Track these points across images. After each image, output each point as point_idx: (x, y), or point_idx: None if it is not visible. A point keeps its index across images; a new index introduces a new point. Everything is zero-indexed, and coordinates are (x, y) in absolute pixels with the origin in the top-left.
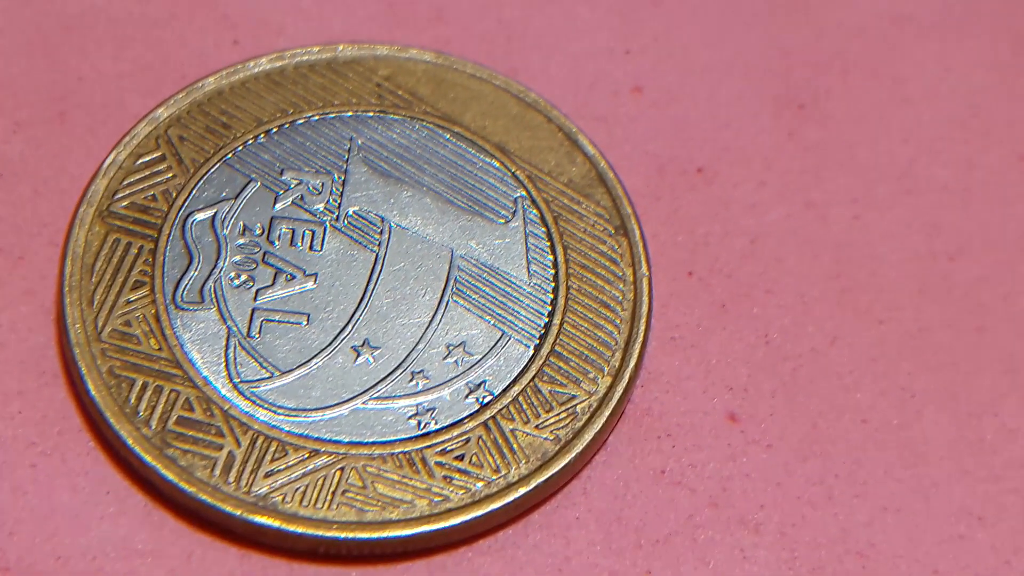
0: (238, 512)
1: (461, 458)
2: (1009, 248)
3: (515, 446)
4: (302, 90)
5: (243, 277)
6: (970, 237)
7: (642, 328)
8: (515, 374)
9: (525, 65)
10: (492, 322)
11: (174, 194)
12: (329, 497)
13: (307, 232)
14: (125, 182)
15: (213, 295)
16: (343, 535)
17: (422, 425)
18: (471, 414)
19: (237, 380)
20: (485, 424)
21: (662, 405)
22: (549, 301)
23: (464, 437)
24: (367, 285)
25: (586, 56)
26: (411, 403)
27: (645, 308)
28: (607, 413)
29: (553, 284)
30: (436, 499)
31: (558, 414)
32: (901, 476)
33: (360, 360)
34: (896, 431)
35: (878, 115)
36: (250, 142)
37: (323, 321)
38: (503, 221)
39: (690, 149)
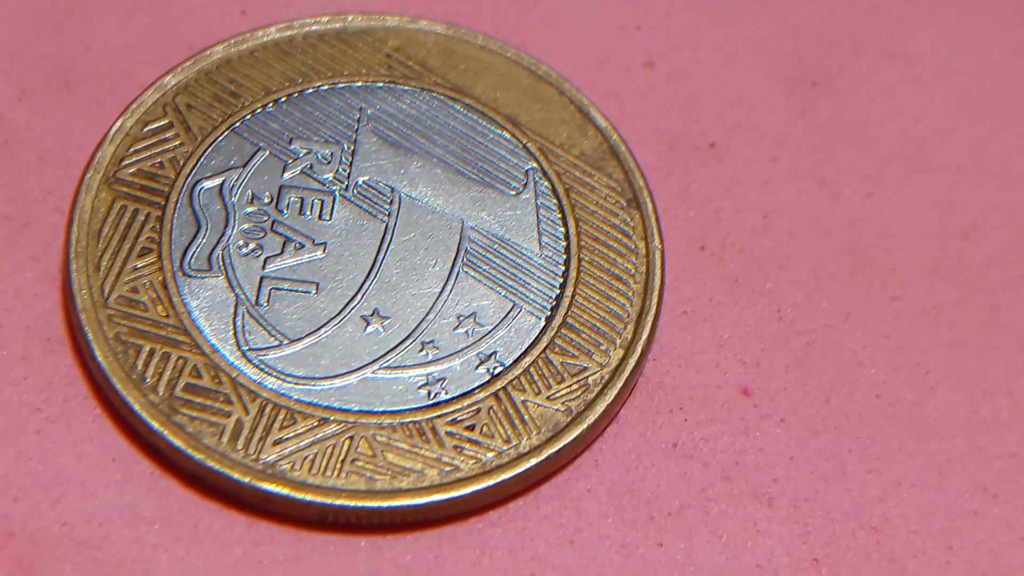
0: (246, 479)
1: (472, 428)
2: (1022, 227)
3: (526, 417)
4: (311, 60)
5: (251, 245)
6: (983, 216)
7: (654, 301)
8: (526, 345)
9: (536, 40)
10: (503, 293)
11: (182, 162)
12: (338, 465)
13: (316, 201)
14: (132, 149)
15: (221, 263)
16: (352, 503)
17: (432, 395)
18: (482, 384)
19: (245, 348)
20: (496, 395)
21: (674, 378)
22: (560, 273)
23: (475, 407)
24: (376, 255)
25: (597, 31)
26: (421, 373)
27: (657, 281)
28: (619, 385)
29: (565, 256)
30: (446, 469)
31: (569, 385)
32: (915, 452)
33: (370, 329)
34: (910, 407)
35: (891, 93)
36: (259, 111)
37: (332, 290)
38: (514, 193)
39: (702, 125)
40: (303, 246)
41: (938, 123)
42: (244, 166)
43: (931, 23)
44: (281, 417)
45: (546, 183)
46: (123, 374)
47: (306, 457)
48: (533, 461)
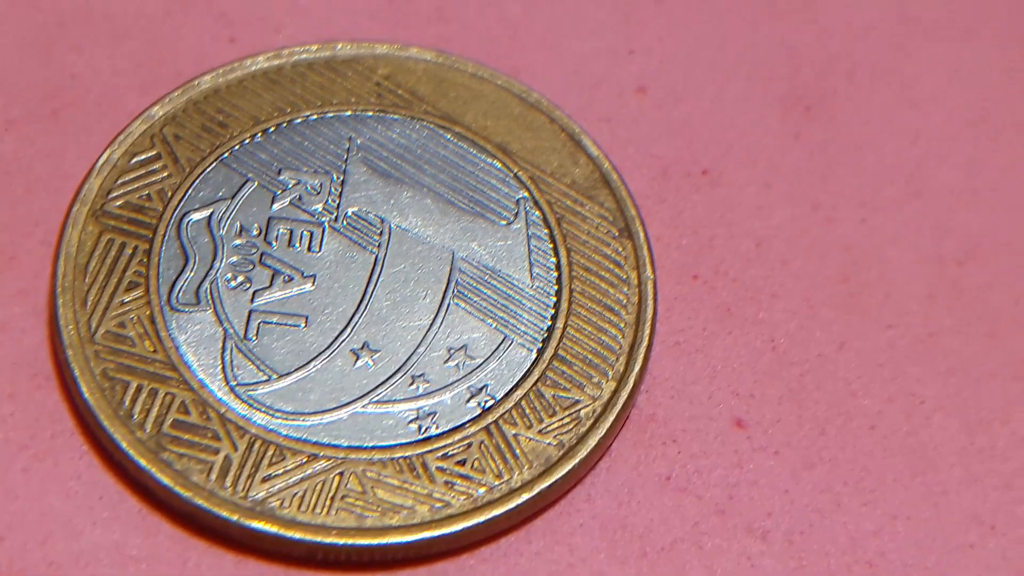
0: (234, 517)
1: (463, 463)
2: (1019, 252)
3: (518, 451)
4: (300, 89)
5: (240, 278)
6: (980, 241)
7: (647, 332)
8: (517, 378)
9: (527, 65)
10: (494, 325)
11: (169, 193)
12: (328, 502)
13: (305, 233)
14: (119, 181)
15: (209, 296)
16: (342, 541)
17: (423, 429)
18: (473, 419)
19: (234, 383)
20: (487, 429)
21: (667, 411)
22: (552, 304)
23: (466, 442)
24: (366, 287)
25: (589, 56)
26: (412, 407)
27: (650, 312)
28: (611, 418)
29: (556, 287)
30: (437, 505)
31: (561, 419)
32: (910, 484)
33: (359, 363)
34: (905, 438)
35: (885, 117)
36: (247, 141)
37: (322, 323)
38: (505, 223)
39: (695, 150)
40: (292, 279)
41: (933, 146)
42: (232, 198)
43: (926, 45)
44: (270, 453)
45: (537, 212)
46: (110, 411)
47: (295, 494)
48: (525, 496)
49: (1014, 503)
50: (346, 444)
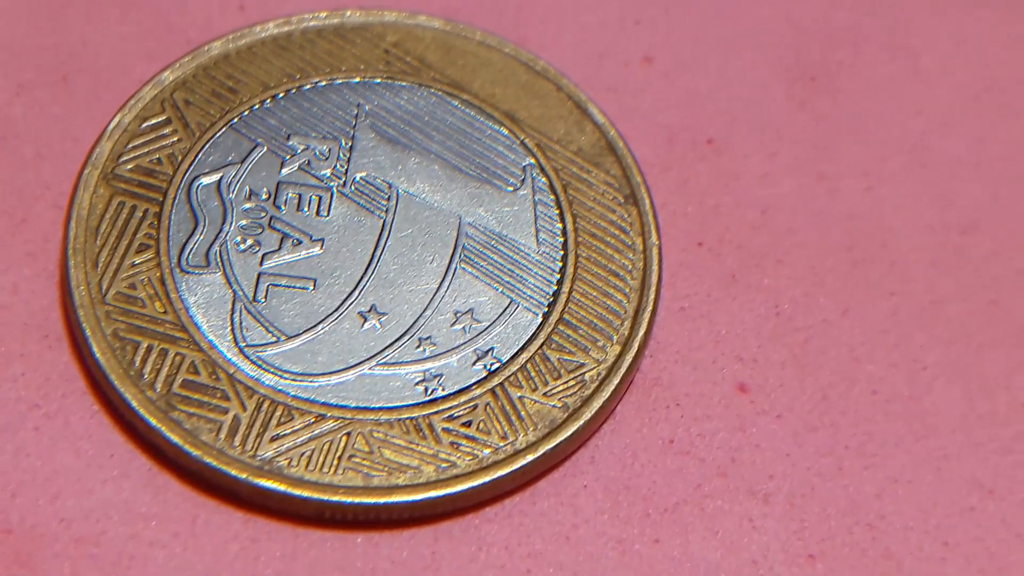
0: (243, 476)
1: (468, 424)
2: (1022, 222)
3: (523, 413)
4: (309, 55)
5: (249, 242)
6: (983, 211)
7: (652, 297)
8: (523, 341)
9: (534, 35)
10: (500, 289)
11: (179, 158)
12: (335, 462)
13: (314, 197)
14: (130, 145)
15: (219, 259)
16: (349, 500)
17: (429, 391)
18: (479, 381)
19: (243, 344)
20: (493, 391)
21: (671, 375)
22: (558, 269)
23: (471, 404)
24: (374, 251)
25: (596, 26)
26: (418, 369)
27: (655, 277)
28: (615, 381)
29: (562, 252)
30: (443, 465)
31: (566, 382)
32: (911, 448)
33: (367, 326)
34: (907, 403)
35: (891, 88)
36: (256, 107)
37: (330, 287)
38: (512, 189)
39: (700, 120)
40: (300, 242)
41: (938, 117)
42: (242, 162)
43: (932, 17)
44: (278, 413)
45: (544, 179)
46: (121, 370)
47: (303, 453)
48: (530, 457)
49: (1014, 467)
50: (353, 405)
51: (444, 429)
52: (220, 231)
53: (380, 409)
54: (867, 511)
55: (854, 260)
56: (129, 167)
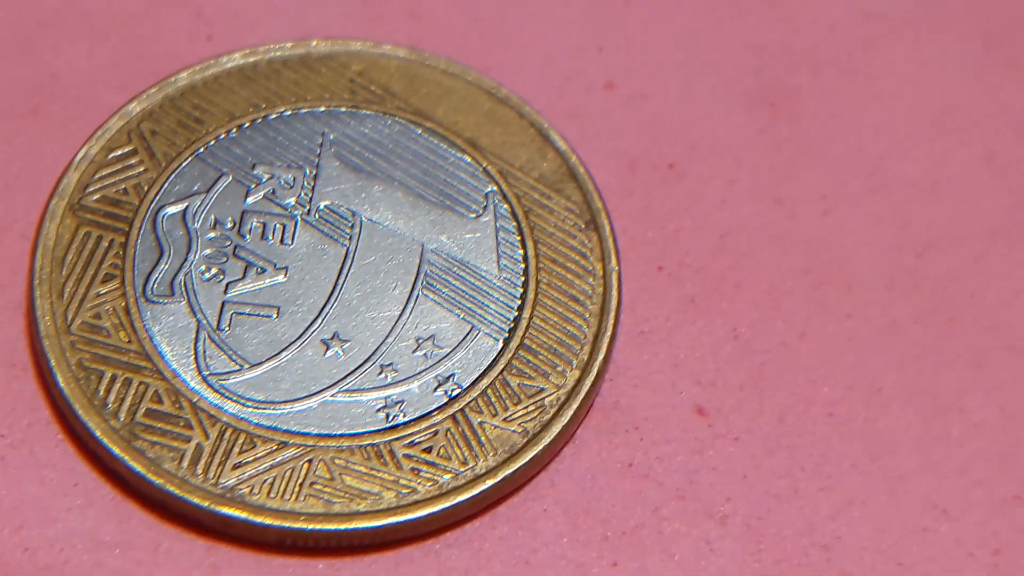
0: (205, 504)
1: (429, 450)
2: (977, 244)
3: (483, 438)
4: (275, 85)
5: (213, 270)
6: (939, 233)
7: (611, 322)
8: (484, 367)
9: (498, 62)
10: (462, 315)
11: (146, 188)
12: (297, 489)
13: (278, 226)
14: (97, 176)
15: (183, 288)
16: (310, 527)
17: (391, 418)
18: (439, 407)
19: (206, 372)
20: (453, 417)
21: (630, 399)
22: (519, 295)
23: (432, 429)
24: (337, 279)
25: (559, 53)
26: (380, 396)
27: (614, 302)
28: (575, 406)
29: (523, 278)
30: (404, 491)
31: (526, 407)
32: (867, 469)
33: (330, 353)
34: (863, 425)
35: (849, 112)
36: (222, 136)
37: (293, 314)
38: (474, 216)
39: (661, 146)
40: (265, 270)
41: (896, 141)
42: (207, 191)
43: (889, 43)
44: (241, 441)
45: (505, 205)
46: (85, 400)
47: (265, 481)
48: (489, 483)
49: (968, 488)
50: (315, 432)
51: (405, 455)
52: (185, 260)
53: (342, 436)
54: (823, 532)
55: (812, 283)
56: (96, 197)
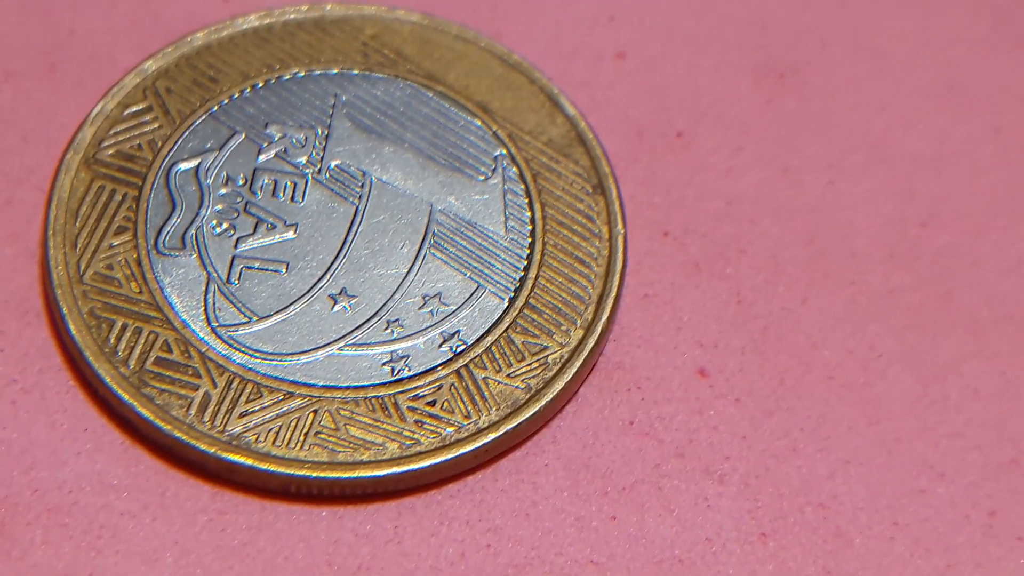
0: (212, 450)
1: (433, 404)
2: (978, 217)
3: (486, 393)
4: (289, 47)
5: (224, 225)
6: (941, 205)
7: (616, 284)
8: (489, 325)
9: (510, 29)
10: (468, 274)
11: (159, 144)
12: (302, 438)
13: (289, 184)
14: (112, 131)
15: (194, 242)
16: (314, 474)
17: (396, 371)
18: (444, 362)
19: (215, 324)
20: (458, 372)
21: (633, 359)
22: (525, 256)
23: (436, 384)
24: (346, 236)
25: (570, 22)
26: (386, 350)
27: (619, 265)
28: (578, 364)
29: (530, 239)
30: (407, 442)
31: (530, 364)
32: (864, 431)
33: (337, 308)
34: (861, 388)
35: (855, 85)
36: (236, 96)
37: (302, 270)
38: (483, 178)
39: (670, 114)
40: (275, 227)
41: (900, 114)
42: (220, 149)
43: (896, 18)
44: (248, 391)
45: (514, 169)
46: (96, 347)
47: (271, 429)
48: (492, 436)
49: (963, 451)
50: (321, 384)
51: (409, 408)
52: (197, 215)
53: (347, 388)
54: (819, 491)
55: (814, 251)
56: (110, 152)
